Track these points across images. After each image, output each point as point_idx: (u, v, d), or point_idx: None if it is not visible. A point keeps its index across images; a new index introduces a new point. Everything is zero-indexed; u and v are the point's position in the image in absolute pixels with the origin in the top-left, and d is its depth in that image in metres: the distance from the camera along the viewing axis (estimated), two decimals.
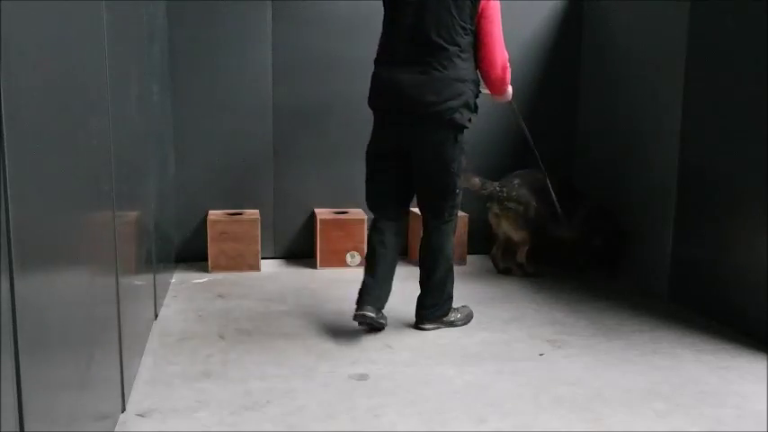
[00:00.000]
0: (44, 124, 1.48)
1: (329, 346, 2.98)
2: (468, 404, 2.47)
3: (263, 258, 4.28)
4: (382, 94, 3.06)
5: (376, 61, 3.12)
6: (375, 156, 3.14)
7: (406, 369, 2.75)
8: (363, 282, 3.13)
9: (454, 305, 3.27)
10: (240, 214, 4.31)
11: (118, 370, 2.24)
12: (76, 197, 1.77)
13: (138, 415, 2.32)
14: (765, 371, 2.79)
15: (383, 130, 3.11)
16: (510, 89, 3.26)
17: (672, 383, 2.68)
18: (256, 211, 4.35)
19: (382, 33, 3.12)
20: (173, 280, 3.99)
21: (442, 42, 2.91)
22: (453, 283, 3.24)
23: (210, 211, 4.31)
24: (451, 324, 3.23)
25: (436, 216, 3.14)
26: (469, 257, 4.48)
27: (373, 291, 3.09)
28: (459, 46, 2.93)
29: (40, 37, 1.46)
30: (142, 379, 2.61)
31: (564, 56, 4.64)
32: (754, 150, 3.08)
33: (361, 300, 3.08)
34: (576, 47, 4.64)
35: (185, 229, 4.33)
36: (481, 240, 4.48)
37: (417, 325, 3.21)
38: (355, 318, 3.04)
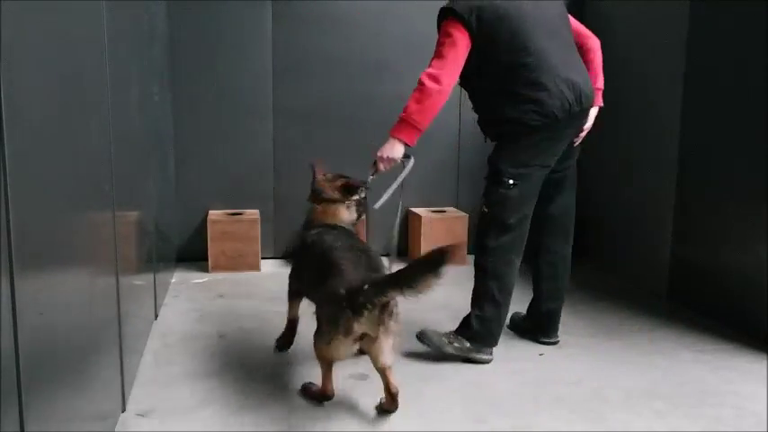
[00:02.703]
0: (44, 124, 1.48)
1: None
2: (467, 404, 2.48)
3: (263, 258, 4.28)
4: None
5: None
6: None
7: (406, 369, 2.75)
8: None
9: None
10: (240, 214, 4.31)
11: (118, 370, 2.24)
12: (76, 197, 1.77)
13: (138, 415, 2.32)
14: (765, 371, 2.79)
15: None
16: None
17: (672, 383, 2.68)
18: (256, 211, 4.36)
19: None
20: (173, 280, 3.99)
21: None
22: (489, 298, 2.90)
23: (210, 211, 4.31)
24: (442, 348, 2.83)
25: None
26: (469, 257, 4.46)
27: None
28: None
29: (40, 37, 1.46)
30: (142, 379, 2.61)
31: None
32: (753, 150, 3.08)
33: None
34: None
35: (185, 229, 4.33)
36: None
37: None
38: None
